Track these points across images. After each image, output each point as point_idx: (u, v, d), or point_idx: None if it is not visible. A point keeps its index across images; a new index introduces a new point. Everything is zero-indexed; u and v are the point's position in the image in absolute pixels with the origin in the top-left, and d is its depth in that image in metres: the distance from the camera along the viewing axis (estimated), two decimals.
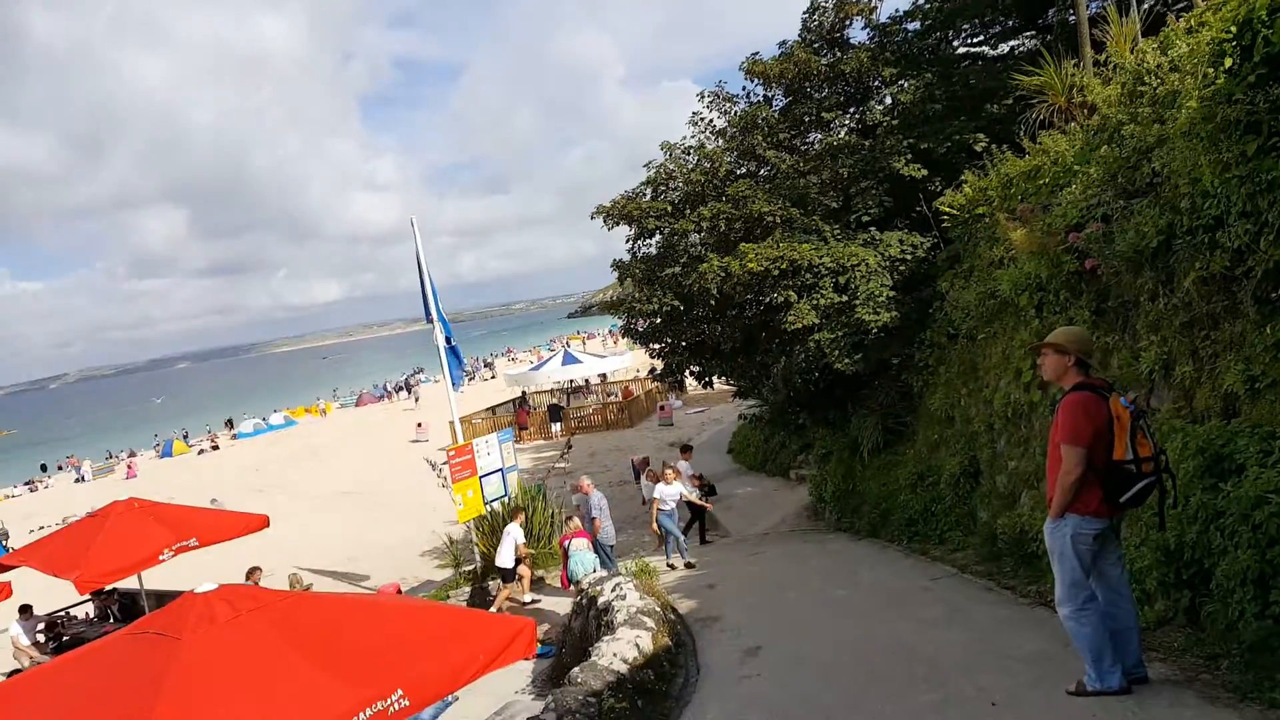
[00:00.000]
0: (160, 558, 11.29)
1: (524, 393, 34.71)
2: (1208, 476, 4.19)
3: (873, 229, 11.29)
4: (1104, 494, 3.76)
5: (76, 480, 38.09)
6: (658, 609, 7.16)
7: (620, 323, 13.37)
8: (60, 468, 42.85)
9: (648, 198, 12.71)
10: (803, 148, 12.73)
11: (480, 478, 12.42)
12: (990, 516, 8.13)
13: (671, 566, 11.79)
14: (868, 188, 11.06)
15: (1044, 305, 6.72)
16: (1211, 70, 3.90)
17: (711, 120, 12.91)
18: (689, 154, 12.59)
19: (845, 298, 10.75)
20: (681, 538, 11.55)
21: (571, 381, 34.02)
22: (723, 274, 11.02)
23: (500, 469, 12.82)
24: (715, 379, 13.92)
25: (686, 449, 15.03)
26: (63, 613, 12.39)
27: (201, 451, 41.25)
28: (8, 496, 36.10)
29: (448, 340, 13.27)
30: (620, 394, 32.21)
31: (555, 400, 33.01)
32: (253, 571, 13.16)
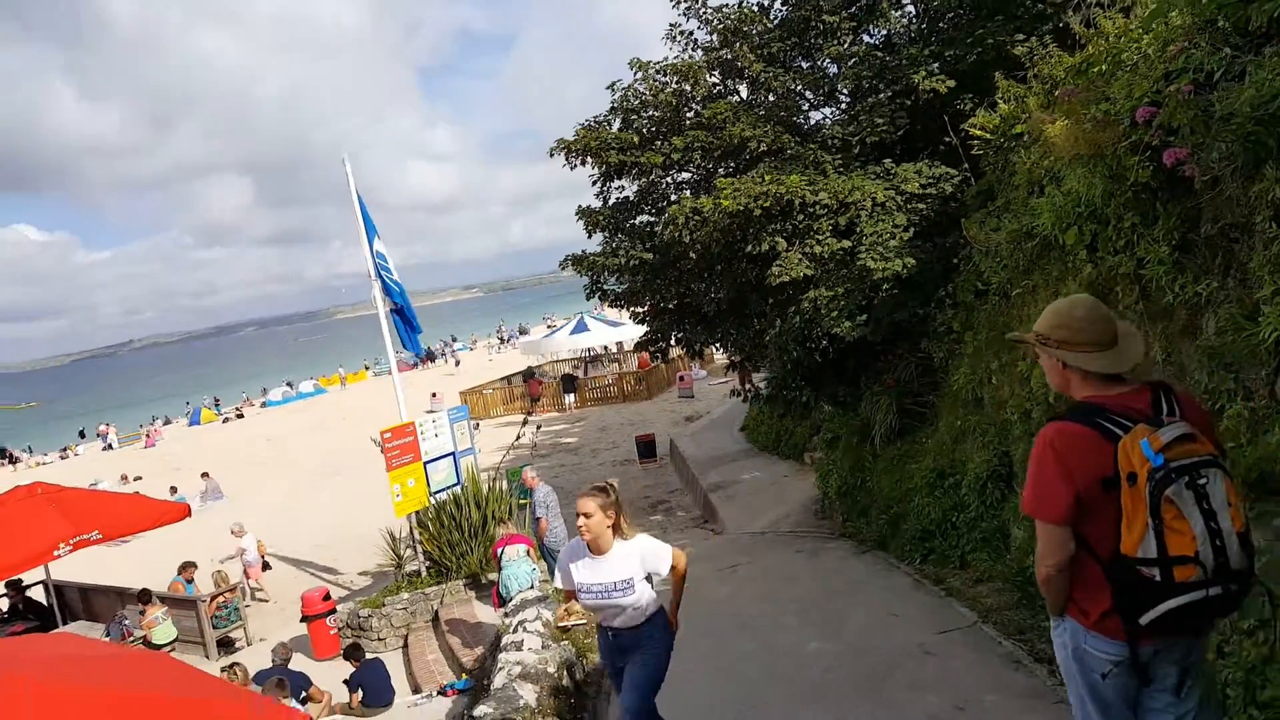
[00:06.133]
0: (55, 553, 9.95)
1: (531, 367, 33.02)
2: None
3: (886, 160, 8.95)
4: (1116, 603, 2.06)
5: (105, 448, 38.36)
6: (552, 670, 5.28)
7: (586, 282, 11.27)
8: (99, 435, 43.36)
9: (615, 128, 10.52)
10: (803, 65, 10.32)
11: (425, 464, 10.70)
12: (1026, 537, 5.98)
13: None
14: (876, 104, 8.70)
15: (1100, 241, 4.45)
16: None
17: (691, 33, 10.57)
18: (664, 74, 10.31)
19: (848, 243, 8.51)
20: None
21: (589, 350, 32.16)
22: (696, 216, 8.88)
23: (452, 452, 11.06)
24: (703, 348, 11.83)
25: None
26: None
27: (226, 419, 41.08)
28: (39, 464, 36.46)
29: (396, 305, 11.48)
30: (637, 363, 30.25)
31: (572, 370, 31.24)
32: (185, 568, 11.86)
